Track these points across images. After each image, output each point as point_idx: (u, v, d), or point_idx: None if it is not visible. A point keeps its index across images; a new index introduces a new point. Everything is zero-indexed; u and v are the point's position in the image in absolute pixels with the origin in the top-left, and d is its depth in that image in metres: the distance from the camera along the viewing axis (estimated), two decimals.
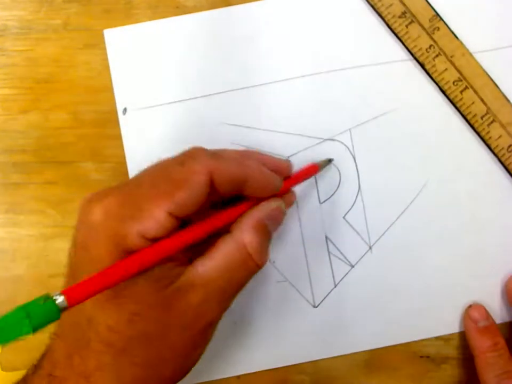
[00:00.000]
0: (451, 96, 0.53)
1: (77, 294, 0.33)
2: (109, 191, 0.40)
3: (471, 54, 0.53)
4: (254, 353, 0.54)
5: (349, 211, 0.54)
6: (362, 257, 0.54)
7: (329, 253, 0.54)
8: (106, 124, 0.54)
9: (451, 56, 0.53)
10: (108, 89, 0.54)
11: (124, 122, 0.54)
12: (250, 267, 0.41)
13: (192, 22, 0.54)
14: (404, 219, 0.54)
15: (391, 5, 0.53)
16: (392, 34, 0.54)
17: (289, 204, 0.49)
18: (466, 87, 0.53)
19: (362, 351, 0.55)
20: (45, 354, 0.40)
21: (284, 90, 0.54)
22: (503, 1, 0.54)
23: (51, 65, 0.54)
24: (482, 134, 0.54)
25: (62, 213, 0.54)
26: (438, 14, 0.53)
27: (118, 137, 0.54)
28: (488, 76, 0.53)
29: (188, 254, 0.41)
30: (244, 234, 0.41)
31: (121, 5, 0.54)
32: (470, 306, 0.54)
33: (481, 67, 0.53)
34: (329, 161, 0.54)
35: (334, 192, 0.54)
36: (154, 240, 0.38)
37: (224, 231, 0.42)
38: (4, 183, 0.54)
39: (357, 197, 0.54)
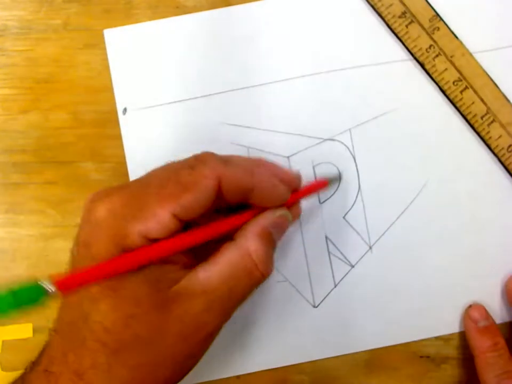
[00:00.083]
0: (451, 96, 0.53)
1: (66, 281, 0.33)
2: (113, 190, 0.40)
3: (471, 54, 0.53)
4: (254, 353, 0.54)
5: (349, 211, 0.54)
6: (362, 257, 0.54)
7: (329, 253, 0.54)
8: (106, 124, 0.54)
9: (451, 56, 0.53)
10: (108, 89, 0.54)
11: (124, 122, 0.54)
12: (255, 276, 0.41)
13: (192, 22, 0.54)
14: (403, 219, 0.54)
15: (391, 5, 0.53)
16: (392, 34, 0.54)
17: (295, 217, 0.49)
18: (466, 87, 0.53)
19: (362, 351, 0.55)
20: (43, 350, 0.40)
21: (283, 90, 0.54)
22: (503, 1, 0.54)
23: (51, 65, 0.54)
24: (482, 134, 0.54)
25: (62, 213, 0.54)
26: (438, 14, 0.53)
27: (118, 137, 0.54)
28: (488, 76, 0.53)
29: (192, 260, 0.41)
30: (249, 242, 0.40)
31: (121, 5, 0.54)
32: (470, 306, 0.54)
33: (481, 67, 0.53)
34: (339, 177, 0.54)
35: (334, 192, 0.54)
36: (156, 241, 0.38)
37: (228, 238, 0.42)
38: (4, 183, 0.54)
39: (357, 197, 0.54)
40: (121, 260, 0.36)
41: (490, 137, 0.54)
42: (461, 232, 0.55)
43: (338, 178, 0.54)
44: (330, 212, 0.54)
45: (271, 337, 0.54)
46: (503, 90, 0.53)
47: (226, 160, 0.41)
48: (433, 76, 0.54)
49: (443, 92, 0.54)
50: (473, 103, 0.53)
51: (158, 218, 0.37)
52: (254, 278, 0.41)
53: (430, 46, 0.53)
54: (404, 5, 0.53)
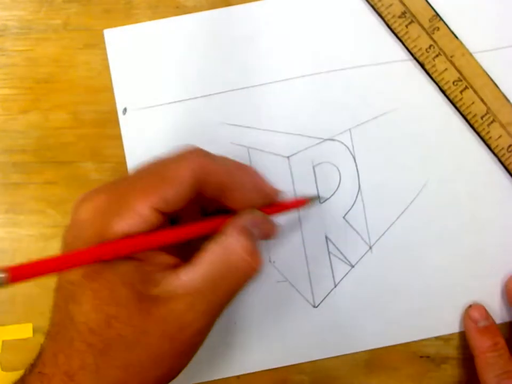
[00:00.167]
0: (451, 96, 0.53)
1: (19, 270, 0.33)
2: (98, 189, 0.40)
3: (471, 54, 0.53)
4: (254, 353, 0.54)
5: (349, 211, 0.54)
6: (362, 257, 0.54)
7: (329, 253, 0.54)
8: (106, 124, 0.54)
9: (451, 56, 0.53)
10: (108, 89, 0.54)
11: (124, 122, 0.54)
12: (243, 271, 0.40)
13: (192, 22, 0.54)
14: (403, 219, 0.54)
15: (391, 5, 0.53)
16: (392, 34, 0.54)
17: (271, 231, 0.48)
18: (466, 87, 0.53)
19: (362, 351, 0.55)
20: (39, 352, 0.40)
21: (283, 90, 0.54)
22: (502, 1, 0.54)
23: (51, 65, 0.54)
24: (482, 134, 0.54)
25: (62, 213, 0.54)
26: (438, 14, 0.53)
27: (118, 137, 0.54)
28: (488, 76, 0.53)
29: (176, 262, 0.40)
30: (230, 238, 0.40)
31: (121, 5, 0.54)
32: (470, 306, 0.54)
33: (481, 67, 0.53)
34: (318, 198, 0.54)
35: (334, 192, 0.54)
36: None
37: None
38: (4, 183, 0.54)
39: (357, 197, 0.54)
40: (80, 253, 0.36)
41: (490, 137, 0.54)
42: (461, 232, 0.55)
43: (317, 198, 0.54)
44: (330, 212, 0.54)
45: (271, 337, 0.54)
46: (503, 90, 0.53)
47: (209, 156, 0.41)
48: (433, 76, 0.53)
49: (443, 92, 0.54)
50: (473, 103, 0.53)
51: (138, 213, 0.37)
52: (242, 273, 0.40)
53: (430, 46, 0.53)
54: (404, 5, 0.53)
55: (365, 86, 0.54)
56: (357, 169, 0.54)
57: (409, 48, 0.53)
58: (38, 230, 0.55)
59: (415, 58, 0.53)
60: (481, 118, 0.53)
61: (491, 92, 0.53)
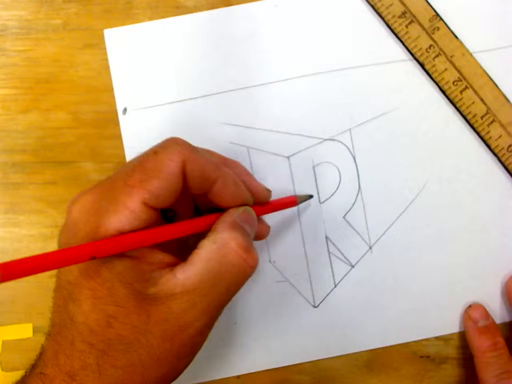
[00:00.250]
0: (451, 96, 0.54)
1: (10, 267, 0.33)
2: (88, 189, 0.40)
3: (471, 54, 0.53)
4: (254, 353, 0.54)
5: (349, 211, 0.54)
6: (362, 257, 0.54)
7: (329, 253, 0.54)
8: (106, 124, 0.54)
9: (451, 56, 0.53)
10: (108, 89, 0.54)
11: (124, 122, 0.54)
12: (240, 266, 0.40)
13: (192, 22, 0.54)
14: (403, 219, 0.55)
15: (391, 5, 0.53)
16: (392, 34, 0.54)
17: (261, 235, 0.49)
18: (466, 87, 0.53)
19: (362, 352, 0.55)
20: (39, 353, 0.40)
21: (283, 90, 0.54)
22: (502, 1, 0.54)
23: (51, 65, 0.54)
24: (482, 134, 0.54)
25: (62, 213, 0.54)
26: (438, 14, 0.53)
27: (118, 137, 0.54)
28: (488, 75, 0.53)
29: (173, 261, 0.40)
30: (223, 234, 0.40)
31: (121, 5, 0.54)
32: (470, 306, 0.54)
33: (481, 67, 0.53)
34: (310, 197, 0.54)
35: (334, 192, 0.54)
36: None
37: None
38: (4, 183, 0.54)
39: (357, 197, 0.54)
40: (71, 251, 0.36)
41: (490, 137, 0.54)
42: (461, 232, 0.55)
43: (309, 197, 0.54)
44: (331, 211, 0.54)
45: (271, 337, 0.54)
46: (503, 90, 0.53)
47: (192, 147, 0.41)
48: (433, 76, 0.53)
49: (443, 92, 0.54)
50: (473, 103, 0.53)
51: (129, 208, 0.37)
52: (238, 269, 0.40)
53: (430, 46, 0.53)
54: (404, 5, 0.53)
55: (365, 86, 0.54)
56: (357, 169, 0.54)
57: (409, 48, 0.53)
58: (38, 230, 0.55)
59: (415, 58, 0.53)
60: (481, 118, 0.53)
61: (491, 92, 0.53)
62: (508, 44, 0.54)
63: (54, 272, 0.54)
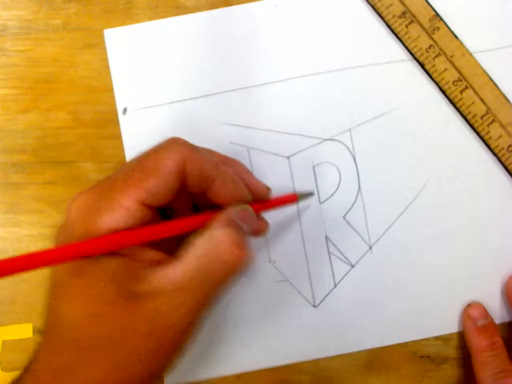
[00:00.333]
0: (451, 96, 0.54)
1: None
2: (88, 188, 0.40)
3: (471, 54, 0.53)
4: (254, 352, 0.54)
5: (349, 211, 0.54)
6: (362, 257, 0.54)
7: (329, 252, 0.54)
8: (106, 124, 0.54)
9: (451, 56, 0.53)
10: (108, 89, 0.54)
11: (124, 122, 0.54)
12: (230, 263, 0.39)
13: (192, 22, 0.54)
14: (403, 219, 0.55)
15: (391, 5, 0.53)
16: (392, 34, 0.54)
17: (260, 231, 0.49)
18: (466, 87, 0.53)
19: (362, 351, 0.55)
20: (35, 350, 0.40)
21: (284, 90, 0.54)
22: (502, 1, 0.54)
23: (51, 65, 0.54)
24: (482, 134, 0.54)
25: (62, 213, 0.54)
26: (438, 14, 0.53)
27: (118, 137, 0.54)
28: (488, 75, 0.53)
29: (163, 258, 0.40)
30: (216, 231, 0.40)
31: (121, 5, 0.54)
32: (469, 305, 0.54)
33: (481, 67, 0.53)
34: (310, 194, 0.54)
35: (334, 192, 0.54)
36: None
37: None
38: (4, 183, 0.54)
39: (357, 197, 0.54)
40: (66, 247, 0.36)
41: (490, 137, 0.54)
42: (461, 232, 0.55)
43: (309, 195, 0.54)
44: (331, 211, 0.55)
45: (271, 336, 0.54)
46: (503, 91, 0.53)
47: (193, 147, 0.41)
48: (433, 76, 0.54)
49: (443, 92, 0.54)
50: (473, 103, 0.53)
51: (124, 207, 0.37)
52: (229, 266, 0.39)
53: (430, 46, 0.53)
54: (404, 5, 0.53)
55: (365, 86, 0.55)
56: (357, 169, 0.54)
57: (409, 48, 0.53)
58: (38, 230, 0.55)
59: (415, 58, 0.54)
60: (481, 118, 0.53)
61: (491, 92, 0.53)
62: (507, 44, 0.54)
63: None
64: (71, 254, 0.36)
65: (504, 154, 0.54)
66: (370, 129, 0.54)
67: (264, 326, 0.54)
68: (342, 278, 0.55)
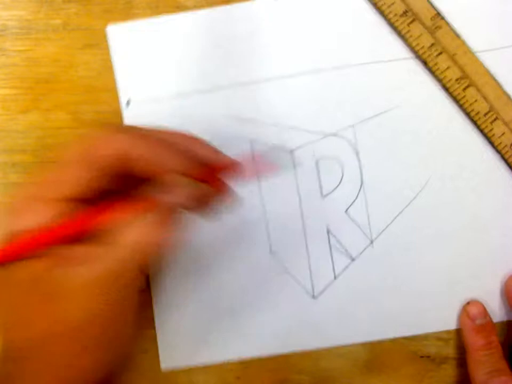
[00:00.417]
0: (454, 94, 0.53)
1: None
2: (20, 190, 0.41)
3: (473, 52, 0.53)
4: (251, 340, 0.55)
5: (351, 205, 0.55)
6: (363, 251, 0.55)
7: (330, 245, 0.55)
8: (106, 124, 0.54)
9: (453, 54, 0.53)
10: (108, 89, 0.54)
11: (127, 115, 0.54)
12: (131, 270, 0.39)
13: (195, 19, 0.54)
14: (405, 215, 0.55)
15: (392, 4, 0.53)
16: (394, 33, 0.54)
17: (203, 201, 0.44)
18: (469, 85, 0.53)
19: (362, 352, 0.55)
20: None
21: (289, 86, 0.55)
22: (503, 1, 0.54)
23: (51, 65, 0.54)
24: (485, 131, 0.54)
25: None
26: (439, 13, 0.53)
27: None
28: (490, 74, 0.53)
29: (88, 251, 0.39)
30: (125, 230, 0.39)
31: (121, 5, 0.54)
32: (468, 303, 0.54)
33: (483, 65, 0.53)
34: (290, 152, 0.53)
35: (337, 186, 0.54)
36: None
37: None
38: (3, 183, 0.54)
39: (359, 192, 0.55)
40: None
41: (493, 135, 0.53)
42: (463, 230, 0.55)
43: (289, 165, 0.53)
44: (333, 205, 0.55)
45: (270, 325, 0.55)
46: (505, 89, 0.53)
47: (131, 137, 0.40)
48: (436, 74, 0.53)
49: (446, 89, 0.54)
50: (476, 100, 0.53)
51: (49, 205, 0.37)
52: (130, 272, 0.39)
53: (432, 44, 0.53)
54: (406, 3, 0.52)
55: (367, 83, 0.55)
56: (359, 165, 0.55)
57: (412, 46, 0.53)
58: None
59: (418, 57, 0.53)
60: (484, 115, 0.53)
61: (493, 90, 0.53)
62: (510, 43, 0.54)
63: None
64: None
65: (507, 151, 0.54)
66: (374, 126, 0.55)
67: (263, 314, 0.55)
68: (342, 271, 0.55)
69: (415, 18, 0.53)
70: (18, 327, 0.37)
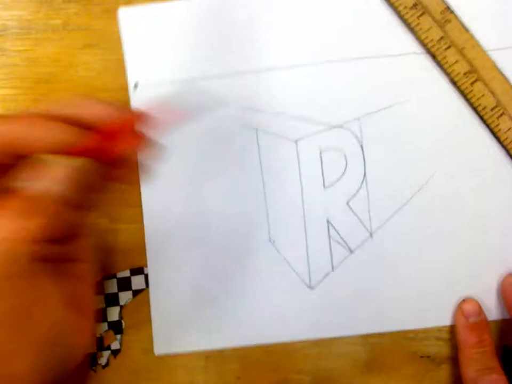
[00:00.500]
0: (461, 88, 0.53)
1: None
2: None
3: (481, 47, 0.53)
4: (246, 328, 0.55)
5: (352, 197, 0.54)
6: (362, 244, 0.55)
7: (329, 236, 0.55)
8: None
9: (462, 48, 0.52)
10: (108, 89, 0.54)
11: (134, 98, 0.54)
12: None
13: (204, 4, 0.54)
14: (406, 210, 0.55)
15: None
16: (404, 26, 0.53)
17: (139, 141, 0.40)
18: (476, 79, 0.53)
19: (362, 352, 0.55)
20: None
21: (296, 76, 0.54)
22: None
23: (51, 65, 0.54)
24: (492, 126, 0.53)
25: None
26: (449, 7, 0.52)
27: None
28: (498, 69, 0.53)
29: None
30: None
31: (121, 5, 0.54)
32: (464, 300, 0.54)
33: (491, 60, 0.53)
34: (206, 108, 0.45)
35: (339, 178, 0.54)
36: None
37: None
38: None
39: (361, 184, 0.54)
40: None
41: (499, 130, 0.53)
42: (467, 224, 0.55)
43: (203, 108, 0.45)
44: (334, 196, 0.55)
45: (266, 314, 0.55)
46: None
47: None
48: (444, 67, 0.53)
49: (454, 83, 0.53)
50: (483, 95, 0.53)
51: None
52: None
53: (441, 37, 0.52)
54: None
55: (375, 76, 0.54)
56: (363, 157, 0.54)
57: (421, 39, 0.53)
58: None
59: (426, 50, 0.53)
60: (491, 110, 0.53)
61: (501, 85, 0.53)
62: None
63: None
64: None
65: None
66: (380, 119, 0.54)
67: (259, 303, 0.55)
68: (340, 262, 0.55)
69: (425, 11, 0.52)
70: None
